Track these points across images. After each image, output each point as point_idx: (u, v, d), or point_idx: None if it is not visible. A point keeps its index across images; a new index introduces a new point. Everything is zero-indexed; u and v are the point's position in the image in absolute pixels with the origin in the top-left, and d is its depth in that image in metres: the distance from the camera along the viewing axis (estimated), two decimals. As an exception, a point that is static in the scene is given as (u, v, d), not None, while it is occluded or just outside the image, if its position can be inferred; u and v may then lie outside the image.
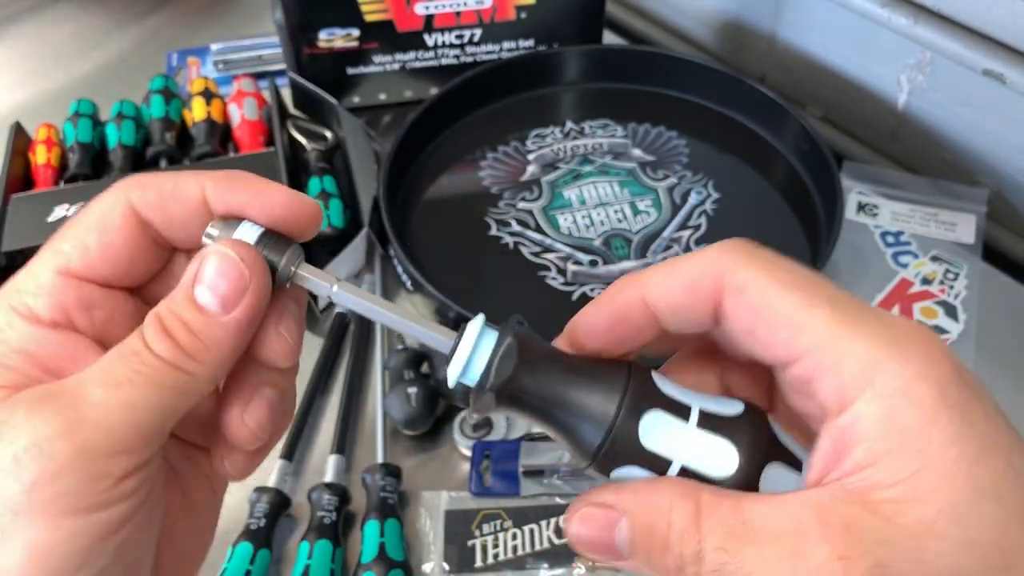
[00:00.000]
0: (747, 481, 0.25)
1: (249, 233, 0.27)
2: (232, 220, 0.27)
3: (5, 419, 0.23)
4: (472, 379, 0.26)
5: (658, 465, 0.25)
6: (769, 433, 0.26)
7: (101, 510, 0.23)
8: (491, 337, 0.26)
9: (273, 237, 0.27)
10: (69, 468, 0.23)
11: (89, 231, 0.27)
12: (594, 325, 0.27)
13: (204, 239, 0.27)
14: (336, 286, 0.27)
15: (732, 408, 0.26)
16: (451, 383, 0.26)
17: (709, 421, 0.25)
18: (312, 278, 0.28)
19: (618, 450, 0.25)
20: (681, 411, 0.25)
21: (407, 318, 0.27)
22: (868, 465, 0.22)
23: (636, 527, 0.24)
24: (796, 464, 0.26)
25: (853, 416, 0.23)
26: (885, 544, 0.21)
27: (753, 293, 0.25)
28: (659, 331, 0.27)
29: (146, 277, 0.28)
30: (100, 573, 0.24)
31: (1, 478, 0.23)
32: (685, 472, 0.25)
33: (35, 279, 0.26)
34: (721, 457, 0.25)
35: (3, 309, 0.26)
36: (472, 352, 0.26)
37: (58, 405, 0.23)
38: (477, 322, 0.27)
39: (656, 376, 0.26)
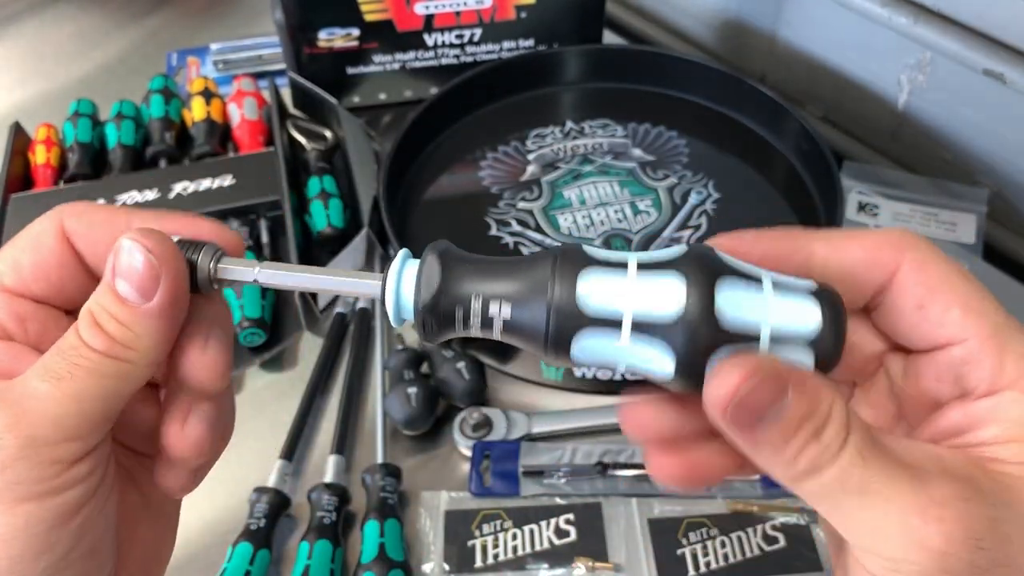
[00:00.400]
0: (700, 306, 0.24)
1: None
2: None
3: None
4: (410, 313, 0.26)
5: (608, 326, 0.25)
6: (717, 259, 0.25)
7: (55, 495, 0.25)
8: (414, 264, 0.27)
9: (189, 241, 0.28)
10: (19, 456, 0.24)
11: (23, 251, 0.28)
12: (744, 250, 0.27)
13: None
14: (259, 268, 0.28)
15: (673, 252, 0.25)
16: (393, 322, 0.27)
17: (649, 266, 0.25)
18: (234, 267, 0.28)
19: (564, 323, 0.25)
20: (617, 266, 0.25)
21: (335, 275, 0.28)
22: (997, 442, 0.24)
23: (798, 404, 0.23)
24: (752, 278, 0.25)
25: (998, 400, 0.25)
26: (1000, 505, 0.23)
27: (933, 271, 0.26)
28: None
29: (79, 299, 0.29)
30: (61, 559, 0.25)
31: None
32: (636, 322, 0.24)
33: None
34: (669, 293, 0.24)
35: None
36: (398, 284, 0.26)
37: (6, 401, 0.25)
38: (399, 256, 0.27)
39: (587, 247, 0.26)
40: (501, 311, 0.25)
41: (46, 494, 0.25)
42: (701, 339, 0.24)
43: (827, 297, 0.25)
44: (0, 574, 0.24)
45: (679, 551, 0.50)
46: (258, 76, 0.78)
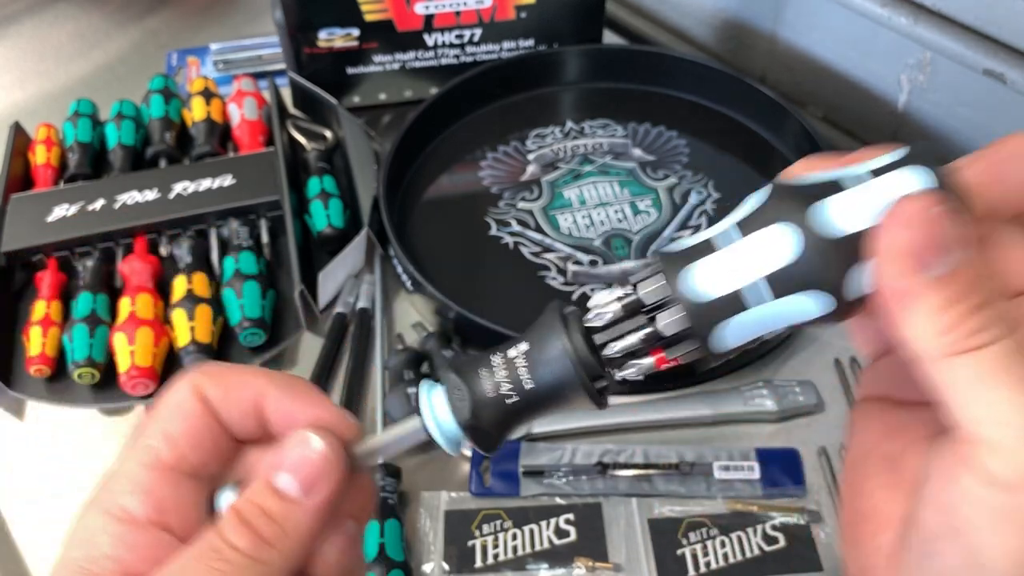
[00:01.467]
0: (815, 239, 0.23)
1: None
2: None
3: None
4: (458, 438, 0.27)
5: (734, 304, 0.24)
6: (799, 188, 0.23)
7: None
8: (440, 391, 0.27)
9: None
10: None
11: (170, 420, 0.27)
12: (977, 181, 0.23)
13: (219, 501, 0.27)
14: (381, 457, 0.29)
15: (756, 199, 0.24)
16: (453, 451, 0.27)
17: (743, 225, 0.24)
18: (378, 449, 0.28)
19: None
20: (706, 247, 0.25)
21: (386, 437, 0.28)
22: None
23: (978, 258, 0.21)
24: (849, 181, 0.23)
25: None
26: None
27: None
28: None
29: (222, 468, 0.28)
30: None
31: None
32: (768, 282, 0.23)
33: (127, 477, 0.26)
34: (779, 239, 0.23)
35: (97, 513, 0.26)
36: (434, 415, 0.27)
37: None
38: (423, 389, 0.28)
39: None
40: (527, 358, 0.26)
41: None
42: (833, 267, 0.23)
43: (930, 157, 0.23)
44: None
45: (679, 551, 0.50)
46: (258, 76, 0.78)
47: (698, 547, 0.50)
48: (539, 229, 0.65)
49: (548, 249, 0.64)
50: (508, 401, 0.26)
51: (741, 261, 0.24)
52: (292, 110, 0.78)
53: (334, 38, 0.74)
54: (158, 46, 0.87)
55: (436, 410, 0.27)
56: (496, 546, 0.50)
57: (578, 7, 0.76)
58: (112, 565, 0.25)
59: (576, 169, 0.70)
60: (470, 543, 0.50)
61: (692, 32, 0.89)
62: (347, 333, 0.61)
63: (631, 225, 0.65)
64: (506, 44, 0.77)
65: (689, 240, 0.25)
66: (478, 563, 0.49)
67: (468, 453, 0.54)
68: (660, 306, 0.24)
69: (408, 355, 0.57)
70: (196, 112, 0.72)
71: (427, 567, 0.49)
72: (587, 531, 0.50)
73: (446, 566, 0.49)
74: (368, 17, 0.73)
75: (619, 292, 0.25)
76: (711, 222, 0.65)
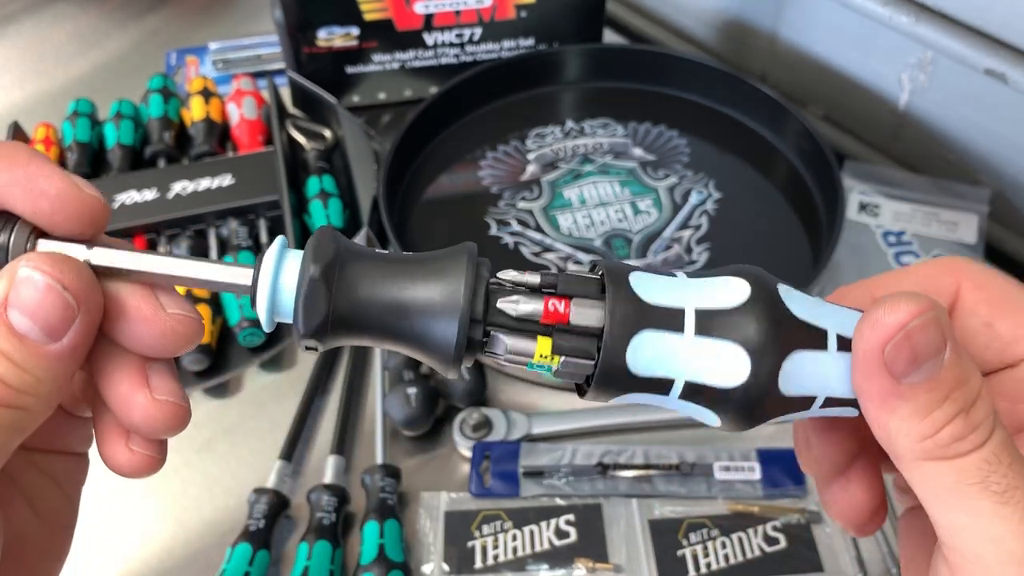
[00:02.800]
0: (763, 384, 0.22)
1: None
2: None
3: None
4: (287, 314, 0.23)
5: (657, 386, 0.23)
6: (782, 317, 0.23)
7: None
8: (295, 259, 0.23)
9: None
10: None
11: None
12: None
13: None
14: (94, 250, 0.23)
15: (735, 294, 0.23)
16: (265, 326, 0.23)
17: (708, 322, 0.23)
18: (56, 251, 0.23)
19: (609, 380, 0.22)
20: (672, 320, 0.23)
21: (193, 265, 0.23)
22: None
23: (955, 366, 0.22)
24: (819, 339, 0.23)
25: None
26: None
27: (995, 288, 0.25)
28: None
29: None
30: None
31: None
32: (690, 387, 0.23)
33: None
34: (729, 364, 0.22)
35: None
36: (275, 282, 0.22)
37: None
38: (274, 247, 0.23)
39: (634, 275, 0.23)
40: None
41: None
42: (757, 413, 0.23)
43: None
44: None
45: (679, 552, 0.49)
46: (257, 75, 0.78)
47: (699, 548, 0.49)
48: (539, 229, 0.65)
49: (548, 249, 0.64)
50: (364, 328, 0.23)
51: (689, 357, 0.22)
52: (291, 109, 0.77)
53: (333, 37, 0.74)
54: (157, 45, 0.87)
55: (282, 282, 0.22)
56: (496, 547, 0.50)
57: (578, 6, 0.76)
58: None
59: (576, 169, 0.69)
60: (470, 544, 0.50)
61: (692, 31, 0.89)
62: (347, 333, 0.61)
63: (631, 225, 0.65)
64: (506, 43, 0.77)
65: (656, 285, 0.23)
66: (478, 564, 0.49)
67: (467, 454, 0.54)
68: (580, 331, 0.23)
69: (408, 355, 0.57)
70: (195, 112, 0.72)
71: (427, 568, 0.49)
72: (587, 532, 0.50)
73: (446, 567, 0.49)
74: (368, 16, 0.73)
75: (536, 280, 0.23)
76: (712, 222, 0.64)
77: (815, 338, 0.23)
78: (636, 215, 0.65)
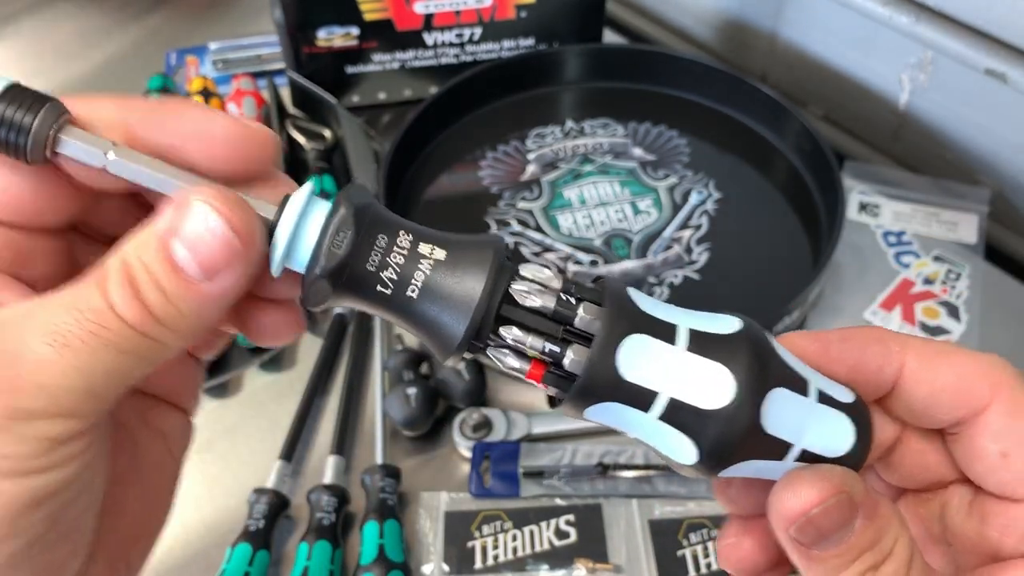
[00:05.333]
0: (747, 412, 0.22)
1: None
2: None
3: None
4: (300, 263, 0.22)
5: (640, 399, 0.22)
6: (771, 354, 0.23)
7: (36, 475, 0.20)
8: (322, 209, 0.22)
9: (22, 91, 0.22)
10: (4, 428, 0.20)
11: None
12: (829, 359, 0.25)
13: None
14: (112, 152, 0.22)
15: (728, 325, 0.23)
16: (275, 270, 0.22)
17: (701, 342, 0.22)
18: (81, 142, 0.22)
19: (595, 386, 0.22)
20: (666, 333, 0.22)
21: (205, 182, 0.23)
22: None
23: (864, 533, 0.23)
24: (801, 385, 0.23)
25: None
26: None
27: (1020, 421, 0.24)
28: (876, 397, 0.26)
29: (64, 220, 0.24)
30: (29, 545, 0.21)
31: None
32: (673, 404, 0.22)
33: None
34: (716, 384, 0.22)
35: None
36: (297, 228, 0.22)
37: None
38: (302, 192, 0.22)
39: (633, 292, 0.23)
40: (432, 269, 0.22)
41: (26, 473, 0.20)
42: (736, 444, 0.22)
43: (862, 422, 0.24)
44: None
45: (679, 552, 0.49)
46: (257, 75, 0.78)
47: (699, 548, 0.49)
48: (539, 229, 0.65)
49: (548, 249, 0.63)
50: (377, 288, 0.22)
51: (677, 371, 0.22)
52: (291, 109, 0.77)
53: (333, 37, 0.74)
54: (157, 45, 0.87)
55: (304, 230, 0.22)
56: (496, 547, 0.50)
57: (578, 6, 0.76)
58: None
59: (576, 169, 0.69)
60: (470, 544, 0.50)
61: (692, 31, 0.89)
62: (347, 333, 0.61)
63: (631, 225, 0.65)
64: (506, 43, 0.77)
65: (653, 303, 0.23)
66: (478, 564, 0.49)
67: (467, 454, 0.54)
68: (579, 333, 0.22)
69: (407, 355, 0.57)
70: (195, 111, 0.72)
71: (427, 568, 0.49)
72: (587, 532, 0.50)
73: (446, 567, 0.49)
74: (367, 16, 0.73)
75: (557, 284, 0.23)
76: (712, 222, 0.64)
77: (799, 383, 0.23)
78: (636, 215, 0.65)
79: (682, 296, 0.60)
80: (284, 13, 0.72)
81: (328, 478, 0.52)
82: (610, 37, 0.84)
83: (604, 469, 0.53)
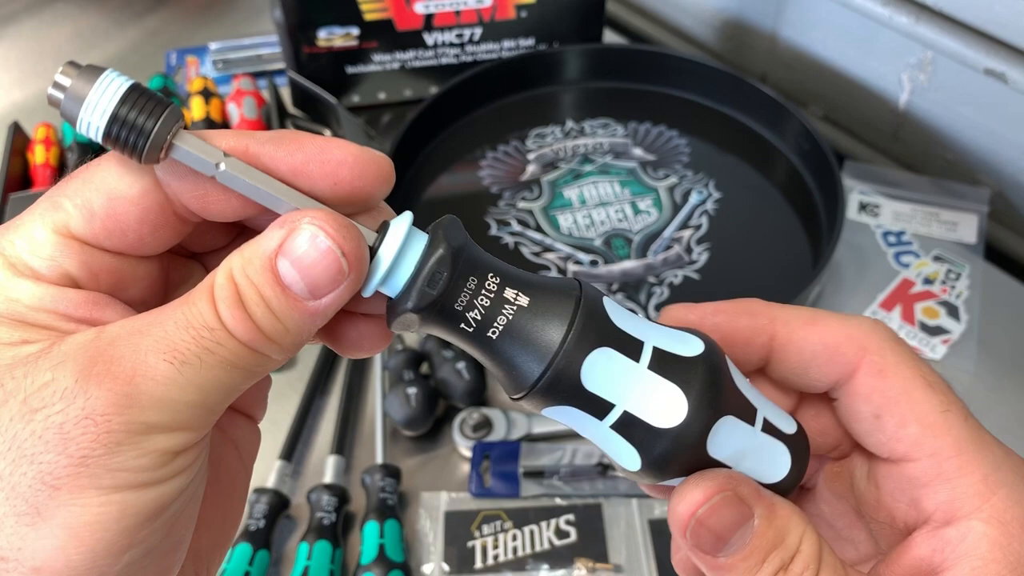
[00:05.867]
0: (694, 435, 0.23)
1: (112, 87, 0.22)
2: (87, 68, 0.22)
3: (48, 381, 0.20)
4: (394, 289, 0.23)
5: (598, 407, 0.23)
6: (726, 381, 0.24)
7: (156, 486, 0.21)
8: (419, 241, 0.23)
9: (142, 93, 0.22)
10: (126, 442, 0.20)
11: (97, 191, 0.23)
12: (697, 321, 0.26)
13: (52, 94, 0.22)
14: (224, 163, 0.22)
15: (690, 347, 0.24)
16: (367, 291, 0.23)
17: (662, 362, 0.23)
18: (195, 148, 0.22)
19: (556, 388, 0.23)
20: (633, 349, 0.23)
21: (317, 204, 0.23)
22: None
23: (764, 533, 0.23)
24: (749, 414, 0.24)
25: (964, 531, 0.23)
26: None
27: (894, 378, 0.25)
28: (757, 366, 0.27)
29: (163, 248, 0.25)
30: (145, 555, 0.21)
31: (41, 450, 0.20)
32: (626, 417, 0.23)
33: (29, 237, 0.23)
34: (669, 405, 0.23)
35: (2, 266, 0.23)
36: (397, 258, 0.23)
37: (115, 376, 0.21)
38: (403, 221, 0.23)
39: (608, 302, 0.24)
40: (514, 315, 0.23)
41: (147, 484, 0.21)
42: (678, 461, 0.23)
43: (799, 452, 0.25)
44: (73, 569, 0.20)
45: (680, 552, 0.49)
46: (257, 75, 0.78)
47: (699, 548, 0.49)
48: (539, 229, 0.65)
49: (548, 249, 0.64)
50: (460, 326, 0.23)
51: (636, 387, 0.23)
52: (291, 109, 0.77)
53: (334, 37, 0.74)
54: (157, 46, 0.87)
55: (403, 259, 0.23)
56: (496, 547, 0.50)
57: (578, 6, 0.76)
58: (40, 315, 0.22)
59: (576, 169, 0.69)
60: (470, 544, 0.50)
61: (692, 31, 0.89)
62: (347, 333, 0.61)
63: (631, 225, 0.65)
64: (506, 43, 0.77)
65: (625, 316, 0.24)
66: (478, 564, 0.49)
67: (467, 454, 0.54)
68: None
69: (408, 355, 0.57)
70: (195, 111, 0.72)
71: (427, 568, 0.49)
72: (587, 532, 0.50)
73: (446, 567, 0.49)
74: (368, 16, 0.73)
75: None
76: (712, 222, 0.64)
77: (747, 411, 0.24)
78: (636, 215, 0.65)
79: (682, 296, 0.60)
80: (284, 13, 0.72)
81: (328, 478, 0.52)
82: (610, 37, 0.84)
83: (604, 469, 0.53)
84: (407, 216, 0.23)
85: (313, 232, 0.22)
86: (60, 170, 0.70)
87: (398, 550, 0.48)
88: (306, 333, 0.23)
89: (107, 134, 0.22)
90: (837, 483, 0.28)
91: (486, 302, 0.23)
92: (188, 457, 0.22)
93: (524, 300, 0.23)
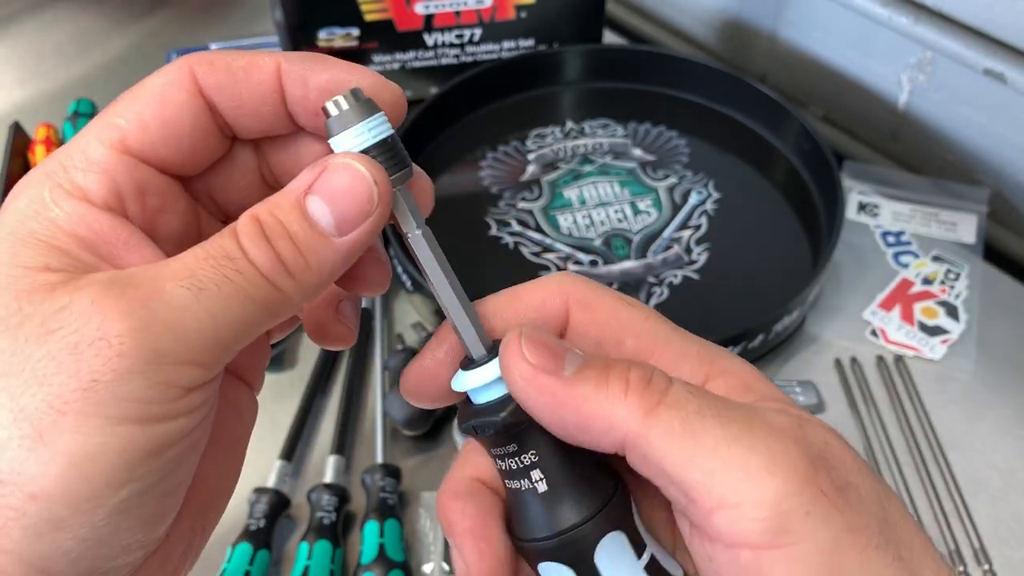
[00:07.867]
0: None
1: (374, 131, 0.24)
2: (366, 101, 0.24)
3: (65, 304, 0.20)
4: (484, 398, 0.25)
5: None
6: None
7: (162, 422, 0.21)
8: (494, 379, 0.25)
9: (393, 145, 0.24)
10: (138, 371, 0.20)
11: (148, 104, 0.23)
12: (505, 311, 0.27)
13: (330, 108, 0.23)
14: (420, 230, 0.25)
15: (675, 570, 0.25)
16: (461, 387, 0.25)
17: (655, 570, 0.25)
18: (407, 208, 0.25)
19: (570, 545, 0.24)
20: (638, 546, 0.25)
21: (459, 303, 0.26)
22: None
23: (595, 358, 0.23)
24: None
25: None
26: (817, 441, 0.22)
27: (600, 309, 0.26)
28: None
29: (203, 167, 0.25)
30: (141, 493, 0.21)
31: (53, 371, 0.20)
32: None
33: (85, 153, 0.23)
34: None
35: (47, 186, 0.23)
36: (497, 380, 0.25)
37: (132, 299, 0.20)
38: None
39: (611, 542, 0.25)
40: (526, 491, 0.25)
41: (153, 419, 0.21)
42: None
43: None
44: (70, 497, 0.20)
45: (679, 552, 0.49)
46: (258, 76, 0.78)
47: (698, 547, 0.49)
48: (539, 229, 0.65)
49: (548, 249, 0.64)
50: (493, 458, 0.26)
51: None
52: (292, 110, 0.77)
53: (334, 38, 0.74)
54: (158, 46, 0.87)
55: (488, 391, 0.25)
56: (496, 546, 0.50)
57: (578, 7, 0.76)
58: (71, 241, 0.22)
59: (576, 169, 0.69)
60: (470, 543, 0.50)
61: (692, 32, 0.89)
62: (347, 333, 0.61)
63: (631, 225, 0.65)
64: (506, 44, 0.77)
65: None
66: (478, 563, 0.49)
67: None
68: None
69: (408, 355, 0.57)
70: (196, 112, 0.72)
71: (427, 568, 0.49)
72: (587, 531, 0.50)
73: (446, 566, 0.49)
74: (368, 17, 0.73)
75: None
76: (711, 222, 0.64)
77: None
78: (636, 215, 0.66)
79: (682, 296, 0.60)
80: (284, 14, 0.72)
81: (328, 477, 0.52)
82: (610, 37, 0.84)
83: (604, 469, 0.53)
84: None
85: (347, 163, 0.23)
86: (61, 170, 0.70)
87: (398, 550, 0.48)
88: (327, 273, 0.23)
89: None
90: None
91: (514, 467, 0.25)
92: (196, 398, 0.22)
93: (543, 487, 0.25)
